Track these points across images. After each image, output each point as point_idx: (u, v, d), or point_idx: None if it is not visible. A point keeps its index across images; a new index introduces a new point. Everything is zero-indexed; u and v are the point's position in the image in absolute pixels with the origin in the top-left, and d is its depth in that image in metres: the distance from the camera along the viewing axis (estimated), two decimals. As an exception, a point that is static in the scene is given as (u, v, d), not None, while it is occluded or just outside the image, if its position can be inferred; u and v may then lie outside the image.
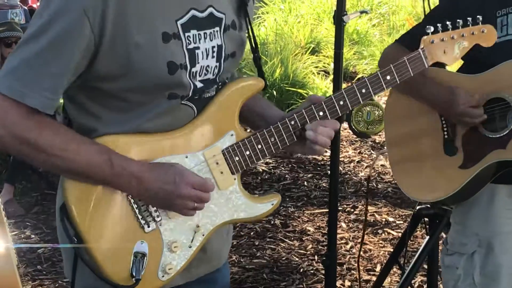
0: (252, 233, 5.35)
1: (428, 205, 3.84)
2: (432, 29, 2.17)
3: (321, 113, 2.06)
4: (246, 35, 2.16)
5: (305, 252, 5.06)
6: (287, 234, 5.36)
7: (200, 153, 2.01)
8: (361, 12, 3.57)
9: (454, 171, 2.86)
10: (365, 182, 6.34)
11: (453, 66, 2.96)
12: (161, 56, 1.90)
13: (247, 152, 2.04)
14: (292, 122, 2.06)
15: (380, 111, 3.62)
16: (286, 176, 6.50)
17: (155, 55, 1.89)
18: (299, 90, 8.26)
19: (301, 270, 4.80)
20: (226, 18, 2.06)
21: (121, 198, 1.94)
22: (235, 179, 2.06)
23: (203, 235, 2.04)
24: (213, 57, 2.02)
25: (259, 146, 2.05)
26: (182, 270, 2.03)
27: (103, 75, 1.89)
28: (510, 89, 2.74)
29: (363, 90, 2.08)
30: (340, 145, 4.49)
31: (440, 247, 3.31)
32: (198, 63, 1.98)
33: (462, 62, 3.02)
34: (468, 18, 2.25)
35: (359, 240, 5.24)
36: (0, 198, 2.91)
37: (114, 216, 1.94)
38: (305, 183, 6.36)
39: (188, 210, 1.97)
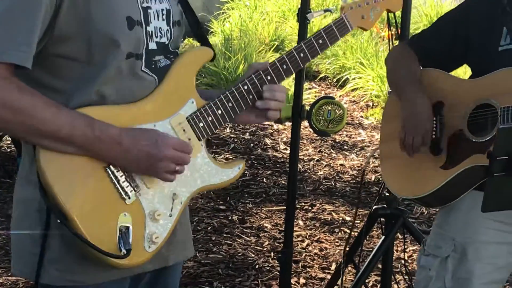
0: (209, 228, 5.34)
1: (385, 205, 3.88)
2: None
3: (268, 77, 2.17)
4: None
5: (261, 248, 5.07)
6: (244, 230, 5.36)
7: (167, 121, 2.04)
8: (325, 11, 3.56)
9: (435, 171, 2.89)
10: (324, 181, 6.37)
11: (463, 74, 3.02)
12: (120, 10, 1.93)
13: (210, 118, 2.11)
14: (245, 87, 2.15)
15: (341, 110, 3.63)
16: (246, 172, 6.49)
17: (115, 8, 1.92)
18: (261, 87, 8.26)
19: (257, 266, 4.81)
20: None
21: (100, 171, 1.93)
22: (202, 145, 2.11)
23: (181, 202, 2.07)
24: (163, 19, 2.07)
25: (219, 112, 2.12)
26: (157, 254, 2.03)
27: (64, 36, 1.88)
28: (499, 96, 2.75)
29: (301, 54, 2.22)
30: (300, 143, 4.51)
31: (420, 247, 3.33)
32: (151, 22, 2.02)
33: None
34: None
35: (316, 238, 5.26)
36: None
37: (95, 191, 1.93)
38: (264, 180, 6.37)
39: (169, 173, 1.98)
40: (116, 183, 1.95)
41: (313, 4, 9.54)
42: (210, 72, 8.39)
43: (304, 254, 5.00)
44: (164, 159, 1.95)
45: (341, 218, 5.62)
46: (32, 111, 1.82)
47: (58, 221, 1.86)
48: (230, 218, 5.55)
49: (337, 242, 5.22)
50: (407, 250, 4.86)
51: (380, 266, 4.07)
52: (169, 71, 2.07)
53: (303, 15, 3.67)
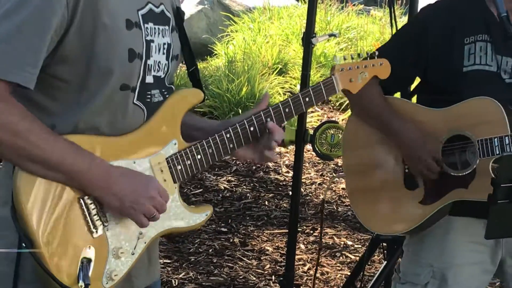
0: (210, 250, 5.33)
1: (387, 230, 3.86)
2: (338, 58, 2.38)
3: (251, 128, 2.18)
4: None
5: (262, 271, 5.06)
6: (246, 253, 5.35)
7: (147, 159, 2.04)
8: (330, 35, 3.59)
9: (414, 207, 2.85)
10: (326, 204, 6.36)
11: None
12: (124, 41, 1.94)
13: (188, 162, 2.11)
14: (227, 135, 2.16)
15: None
16: (248, 194, 6.49)
17: (119, 39, 1.93)
18: (264, 110, 8.27)
19: (258, 289, 4.80)
20: (172, 20, 2.15)
21: (73, 201, 1.92)
22: (175, 188, 2.11)
23: (145, 242, 2.07)
24: (163, 53, 2.09)
25: (199, 157, 2.12)
26: (122, 280, 2.03)
27: (64, 57, 1.89)
28: (473, 128, 2.73)
29: (287, 110, 2.22)
30: (302, 167, 4.51)
31: (393, 275, 3.30)
32: (152, 56, 2.03)
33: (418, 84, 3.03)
34: (368, 52, 2.43)
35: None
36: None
37: (66, 219, 1.92)
38: (266, 202, 6.36)
39: (146, 217, 1.97)
40: (87, 215, 1.94)
41: (317, 28, 9.58)
42: (213, 94, 8.40)
43: (305, 278, 4.98)
44: (149, 199, 1.96)
45: (342, 242, 5.60)
46: (28, 135, 1.82)
47: (24, 244, 1.85)
48: (231, 240, 5.54)
49: (338, 266, 5.20)
50: None
51: (382, 291, 4.05)
52: (158, 109, 2.08)
53: (308, 39, 3.69)
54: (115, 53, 1.93)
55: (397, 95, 3.20)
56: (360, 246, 5.53)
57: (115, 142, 1.99)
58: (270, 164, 7.26)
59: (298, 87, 9.44)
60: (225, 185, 6.58)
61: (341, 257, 5.35)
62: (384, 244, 3.93)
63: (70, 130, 1.93)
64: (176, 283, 4.77)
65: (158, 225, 2.08)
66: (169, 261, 5.04)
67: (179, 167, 2.09)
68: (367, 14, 13.73)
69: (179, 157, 2.09)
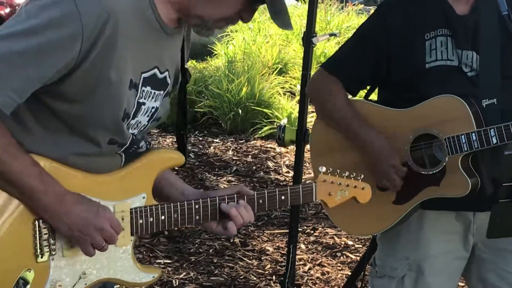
0: (211, 250, 5.32)
1: (388, 230, 3.86)
2: (324, 169, 2.35)
3: (222, 208, 2.18)
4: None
5: (263, 271, 5.05)
6: (246, 253, 5.34)
7: (112, 204, 2.04)
8: (331, 35, 3.59)
9: (388, 207, 2.86)
10: (326, 205, 6.35)
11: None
12: (122, 101, 1.94)
13: (151, 219, 2.10)
14: (196, 206, 2.15)
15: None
16: (248, 195, 6.47)
17: (119, 96, 1.93)
18: (264, 110, 8.27)
19: (259, 289, 4.79)
20: (170, 85, 2.16)
21: (28, 220, 1.92)
22: (131, 240, 2.10)
23: (85, 284, 2.06)
24: (147, 116, 2.09)
25: (162, 217, 2.11)
26: None
27: (63, 94, 1.87)
28: (440, 125, 2.72)
29: (260, 201, 2.23)
30: (303, 167, 4.50)
31: (369, 269, 3.31)
32: (136, 117, 2.04)
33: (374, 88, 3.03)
34: (354, 173, 2.42)
35: (318, 262, 5.24)
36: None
37: (14, 236, 1.91)
38: (266, 202, 6.34)
39: (94, 246, 1.96)
40: (38, 238, 1.94)
41: (317, 28, 9.61)
42: (213, 94, 8.40)
43: (306, 278, 4.98)
44: (98, 230, 1.95)
45: (343, 242, 5.60)
46: None
47: None
48: (232, 240, 5.53)
49: (339, 266, 5.20)
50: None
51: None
52: (136, 160, 2.09)
53: (308, 39, 3.69)
54: (111, 109, 1.93)
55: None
56: (360, 246, 5.52)
57: (85, 178, 1.99)
58: (270, 164, 7.26)
59: (298, 87, 9.43)
60: (225, 185, 6.57)
61: (341, 257, 5.35)
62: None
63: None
64: (177, 283, 4.77)
65: (103, 270, 2.09)
66: (169, 261, 5.04)
67: (140, 221, 2.08)
68: (367, 14, 13.73)
69: (143, 211, 2.08)
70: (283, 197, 2.25)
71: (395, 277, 2.92)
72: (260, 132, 8.06)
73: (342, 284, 4.66)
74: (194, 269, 4.99)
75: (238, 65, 9.41)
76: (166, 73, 2.10)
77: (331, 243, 5.57)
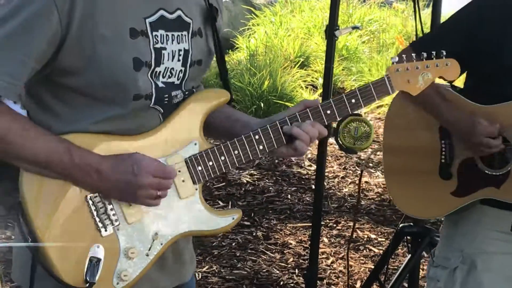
0: (233, 244, 5.33)
1: (411, 223, 3.85)
2: (397, 58, 2.18)
3: (284, 128, 2.06)
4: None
5: (285, 265, 5.05)
6: (269, 246, 5.35)
7: (163, 159, 1.99)
8: (353, 28, 3.57)
9: (446, 196, 2.87)
10: (349, 198, 6.35)
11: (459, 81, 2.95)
12: (127, 51, 1.90)
13: (210, 163, 2.03)
14: (257, 137, 2.06)
15: (367, 128, 3.60)
16: (270, 188, 6.49)
17: (121, 49, 1.89)
18: (286, 103, 8.27)
19: (281, 283, 4.79)
20: (193, 24, 2.07)
21: (79, 198, 1.90)
22: (196, 189, 2.04)
23: (161, 244, 2.01)
24: (179, 60, 2.03)
25: (222, 158, 2.04)
26: (139, 280, 1.99)
27: (67, 68, 1.86)
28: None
29: (328, 111, 2.10)
30: (326, 160, 4.49)
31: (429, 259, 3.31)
32: (163, 63, 1.98)
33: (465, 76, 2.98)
34: (432, 52, 2.24)
35: (340, 255, 5.24)
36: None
37: (71, 217, 1.89)
38: (289, 196, 6.35)
39: (151, 199, 1.93)
40: (95, 214, 1.91)
41: (339, 21, 9.59)
42: (236, 88, 8.39)
43: (329, 272, 4.97)
44: (143, 187, 1.90)
45: (366, 236, 5.59)
46: (8, 136, 1.80)
47: (28, 242, 1.84)
48: (254, 234, 5.54)
49: (362, 259, 5.19)
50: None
51: (406, 284, 4.04)
52: (177, 109, 2.04)
53: (331, 31, 3.67)
54: (118, 64, 1.89)
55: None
56: (383, 239, 5.51)
57: (126, 142, 1.95)
58: (292, 157, 7.26)
59: (320, 80, 9.42)
60: (247, 179, 6.57)
61: (364, 251, 5.34)
62: (408, 237, 3.91)
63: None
64: (200, 277, 4.78)
65: (175, 226, 2.03)
66: (192, 254, 5.05)
67: (199, 168, 2.02)
68: (389, 7, 13.68)
69: (199, 158, 2.02)
70: (353, 100, 2.11)
71: (447, 267, 2.93)
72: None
73: (365, 278, 4.66)
74: (217, 263, 5.00)
75: (260, 59, 9.40)
76: (179, 12, 2.03)
77: (354, 237, 5.55)
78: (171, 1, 2.01)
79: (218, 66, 2.22)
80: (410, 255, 3.86)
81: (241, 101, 8.26)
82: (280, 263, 5.07)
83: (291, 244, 5.40)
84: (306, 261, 4.88)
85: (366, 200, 6.33)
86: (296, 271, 4.96)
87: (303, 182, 6.67)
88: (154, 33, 1.95)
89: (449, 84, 2.95)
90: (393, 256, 4.73)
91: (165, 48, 1.98)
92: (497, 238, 2.85)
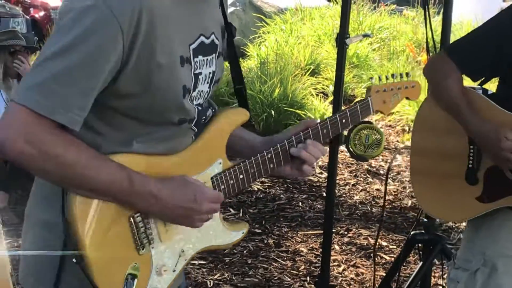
0: (245, 251, 5.34)
1: (423, 231, 3.85)
2: (374, 78, 2.40)
3: (291, 150, 2.20)
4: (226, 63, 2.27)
5: (297, 272, 5.06)
6: (280, 254, 5.35)
7: (194, 177, 2.04)
8: (364, 36, 3.59)
9: (471, 201, 2.89)
10: (360, 205, 6.35)
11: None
12: (178, 79, 1.93)
13: (231, 182, 2.12)
14: (269, 156, 2.17)
15: (378, 135, 3.61)
16: (281, 196, 6.50)
17: (174, 77, 1.92)
18: (297, 111, 8.27)
19: (293, 290, 4.80)
20: (220, 45, 2.13)
21: (123, 218, 1.93)
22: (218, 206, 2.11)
23: (185, 260, 2.10)
24: (207, 82, 2.08)
25: (241, 176, 2.14)
26: None
27: (120, 93, 1.87)
28: None
29: (324, 131, 2.25)
30: (337, 168, 4.50)
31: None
32: (197, 88, 2.03)
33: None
34: (401, 73, 2.46)
35: (352, 263, 5.24)
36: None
37: (115, 236, 1.93)
38: (300, 203, 6.36)
39: (201, 222, 2.02)
40: (136, 233, 1.96)
41: (349, 29, 9.59)
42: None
43: (340, 279, 4.98)
44: (202, 213, 1.99)
45: (377, 243, 5.58)
46: (75, 167, 1.81)
47: (74, 260, 1.86)
48: (265, 241, 5.55)
49: (373, 267, 5.18)
50: (445, 276, 4.82)
51: (417, 292, 4.04)
52: (206, 129, 2.10)
53: (342, 40, 3.69)
54: (170, 91, 1.92)
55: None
56: (395, 247, 5.51)
57: (163, 161, 2.00)
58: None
59: (331, 88, 9.43)
60: (258, 187, 6.59)
61: (376, 258, 5.34)
62: (420, 245, 3.91)
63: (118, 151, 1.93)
64: (211, 284, 4.79)
65: (198, 242, 2.12)
66: (204, 262, 5.06)
67: (222, 187, 2.10)
68: (399, 14, 13.68)
69: (223, 177, 2.10)
70: (344, 120, 2.29)
71: (468, 269, 2.93)
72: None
73: (376, 285, 4.66)
74: (229, 270, 5.01)
75: (270, 66, 9.41)
76: (212, 35, 2.08)
77: (365, 244, 5.56)
78: (207, 26, 2.06)
79: (234, 83, 2.28)
80: (421, 262, 3.86)
81: (252, 109, 8.27)
82: (291, 271, 5.08)
83: (302, 251, 5.41)
84: (318, 269, 4.88)
85: (377, 207, 6.33)
86: (308, 278, 4.96)
87: (313, 190, 6.68)
88: (195, 59, 1.99)
89: (480, 87, 2.98)
90: (404, 264, 4.72)
91: (201, 73, 2.03)
92: None
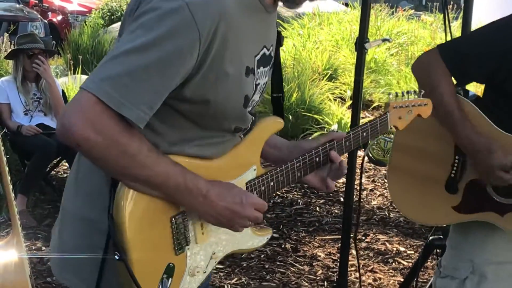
0: (262, 256, 5.34)
1: (441, 236, 3.84)
2: (392, 95, 2.47)
3: (317, 159, 2.25)
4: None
5: (314, 277, 5.05)
6: (298, 258, 5.35)
7: (232, 182, 2.07)
8: (383, 40, 3.59)
9: (447, 209, 2.87)
10: (377, 210, 6.34)
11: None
12: (242, 88, 1.97)
13: (263, 188, 2.16)
14: (298, 164, 2.21)
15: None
16: (299, 200, 6.50)
17: (239, 86, 1.95)
18: (315, 116, 8.27)
19: (310, 295, 4.79)
20: (273, 57, 2.18)
21: (165, 218, 1.96)
22: None
23: (215, 262, 2.14)
24: (259, 92, 2.11)
25: (272, 183, 2.17)
26: None
27: (186, 98, 1.89)
28: None
29: (347, 143, 2.30)
30: (355, 173, 4.49)
31: (434, 269, 3.31)
32: (253, 98, 2.07)
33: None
34: (413, 90, 2.50)
35: (369, 268, 5.22)
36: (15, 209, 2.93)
37: (157, 236, 1.95)
38: (317, 208, 6.35)
39: (242, 227, 2.04)
40: (175, 233, 1.98)
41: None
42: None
43: (357, 285, 4.96)
44: (245, 217, 2.00)
45: (395, 249, 5.57)
46: (135, 157, 1.83)
47: (116, 257, 1.86)
48: (283, 246, 5.54)
49: (391, 272, 5.17)
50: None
51: (436, 297, 4.02)
52: (246, 136, 2.14)
53: (361, 44, 3.69)
54: (233, 99, 1.95)
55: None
56: (412, 252, 5.49)
57: (208, 165, 2.02)
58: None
59: (349, 93, 9.42)
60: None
61: (393, 263, 5.32)
62: (438, 250, 3.90)
63: (173, 152, 1.96)
64: (229, 288, 4.80)
65: (228, 246, 2.17)
66: (221, 266, 5.07)
67: (254, 193, 2.13)
68: (417, 19, 13.66)
69: (256, 183, 2.13)
70: (364, 134, 2.34)
71: (457, 278, 2.91)
72: (310, 137, 8.05)
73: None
74: (246, 275, 5.01)
75: (288, 71, 9.42)
76: (272, 48, 2.13)
77: (382, 249, 5.54)
78: (269, 39, 2.11)
79: (273, 91, 2.33)
80: (440, 268, 3.84)
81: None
82: (309, 275, 5.07)
83: (319, 256, 5.40)
84: (335, 274, 4.88)
85: (395, 212, 6.31)
86: (325, 283, 4.95)
87: (331, 195, 6.67)
88: (257, 70, 2.03)
89: (460, 88, 2.93)
90: (422, 269, 4.71)
91: (259, 84, 2.07)
92: (507, 248, 2.85)
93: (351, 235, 4.34)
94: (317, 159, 2.24)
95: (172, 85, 1.83)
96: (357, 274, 5.12)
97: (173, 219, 1.96)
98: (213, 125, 1.99)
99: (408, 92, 2.49)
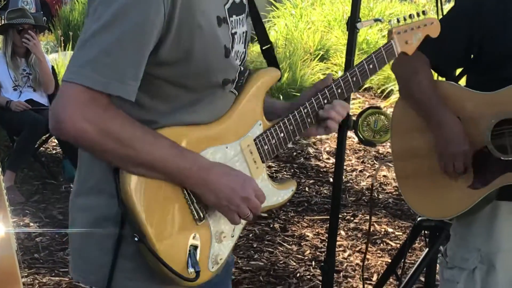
0: (250, 235, 5.35)
1: (429, 218, 3.84)
2: (397, 20, 2.38)
3: (325, 101, 2.19)
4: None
5: (302, 257, 5.06)
6: (286, 238, 5.36)
7: (237, 143, 2.04)
8: (375, 20, 3.55)
9: (463, 191, 2.83)
10: (366, 192, 6.34)
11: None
12: (219, 39, 1.92)
13: (273, 141, 2.11)
14: (305, 110, 2.15)
15: (387, 121, 3.61)
16: (288, 180, 6.49)
17: (214, 38, 1.90)
18: (305, 96, 8.25)
19: (298, 275, 4.80)
20: (246, 5, 2.13)
21: (178, 193, 1.93)
22: (264, 167, 2.12)
23: (242, 223, 2.07)
24: (242, 42, 2.07)
25: (282, 134, 2.13)
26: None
27: (163, 61, 1.85)
28: None
29: (354, 78, 2.22)
30: (345, 153, 4.50)
31: (438, 259, 3.29)
32: (234, 48, 2.01)
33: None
34: (416, 13, 2.42)
35: (357, 248, 5.24)
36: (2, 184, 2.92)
37: (173, 211, 1.93)
38: (307, 189, 6.36)
39: (240, 216, 1.97)
40: (191, 204, 1.95)
41: (360, 14, 9.55)
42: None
43: (345, 264, 4.98)
44: (245, 199, 1.95)
45: (383, 230, 5.58)
46: (132, 142, 1.81)
47: (136, 239, 1.84)
48: (271, 226, 5.55)
49: (379, 253, 5.19)
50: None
51: (422, 279, 4.03)
52: (242, 92, 2.08)
53: (352, 24, 3.66)
54: (212, 52, 1.91)
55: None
56: (400, 233, 5.51)
57: (206, 130, 1.98)
58: (311, 150, 7.26)
59: (340, 73, 9.40)
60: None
61: (381, 244, 5.34)
62: (426, 231, 3.90)
63: (169, 124, 1.91)
64: (216, 267, 4.79)
65: None
66: (209, 245, 5.07)
67: (266, 147, 2.09)
68: (410, 1, 13.63)
69: (265, 137, 2.09)
70: (371, 66, 2.25)
71: (466, 268, 2.89)
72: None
73: (381, 271, 4.66)
74: (234, 253, 4.98)
75: (279, 51, 9.40)
76: None
77: (371, 231, 5.55)
78: None
79: (261, 44, 2.26)
80: (427, 249, 3.84)
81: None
82: (297, 255, 5.08)
83: (308, 236, 5.41)
84: (323, 254, 4.89)
85: (384, 194, 6.33)
86: (313, 263, 4.96)
87: (321, 175, 6.68)
88: (230, 19, 1.98)
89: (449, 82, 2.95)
90: (410, 250, 4.72)
91: (236, 33, 2.02)
92: (511, 234, 2.83)
93: (339, 216, 4.34)
94: (325, 101, 2.18)
95: (148, 51, 1.80)
96: (345, 254, 5.13)
97: (185, 190, 1.93)
98: (199, 83, 1.93)
99: (410, 16, 2.41)
